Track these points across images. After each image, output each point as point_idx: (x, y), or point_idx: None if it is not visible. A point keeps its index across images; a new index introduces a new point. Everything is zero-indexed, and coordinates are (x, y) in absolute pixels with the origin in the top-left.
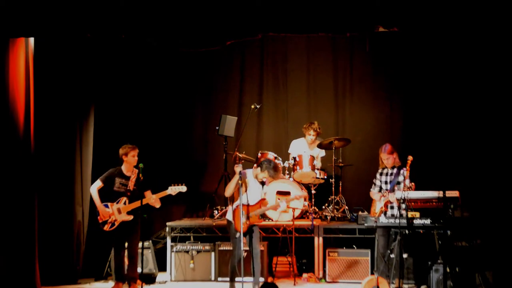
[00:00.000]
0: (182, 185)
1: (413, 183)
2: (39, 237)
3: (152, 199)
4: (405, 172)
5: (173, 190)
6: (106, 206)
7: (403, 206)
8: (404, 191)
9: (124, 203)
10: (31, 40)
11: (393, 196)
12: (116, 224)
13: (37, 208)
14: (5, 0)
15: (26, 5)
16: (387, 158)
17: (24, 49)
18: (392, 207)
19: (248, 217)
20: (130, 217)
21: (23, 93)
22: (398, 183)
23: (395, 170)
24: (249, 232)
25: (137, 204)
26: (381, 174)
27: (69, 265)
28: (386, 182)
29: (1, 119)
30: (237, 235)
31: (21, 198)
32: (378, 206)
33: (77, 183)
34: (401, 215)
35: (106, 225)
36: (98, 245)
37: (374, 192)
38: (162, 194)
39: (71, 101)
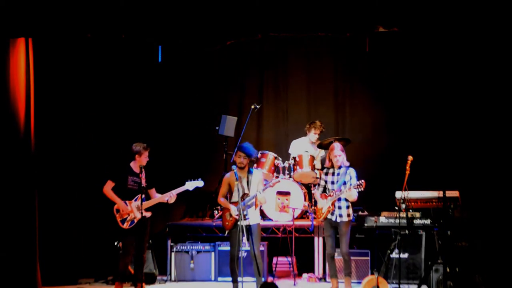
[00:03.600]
0: (198, 179)
1: (363, 180)
2: (39, 236)
3: (173, 194)
4: (353, 171)
5: (190, 185)
6: (125, 203)
7: (403, 206)
8: (356, 188)
9: (141, 201)
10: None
11: (350, 192)
12: (136, 221)
13: (37, 208)
14: (5, 1)
15: (26, 5)
16: (339, 155)
17: (24, 48)
18: (340, 207)
19: (231, 215)
20: (149, 214)
21: (24, 92)
22: (345, 182)
23: (341, 170)
24: (247, 232)
25: (156, 200)
26: (326, 174)
27: (69, 265)
28: (332, 182)
29: (2, 117)
30: (226, 234)
31: (22, 197)
32: (325, 206)
33: (78, 182)
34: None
35: (125, 223)
36: (98, 245)
37: (318, 193)
38: (181, 189)
39: (72, 101)
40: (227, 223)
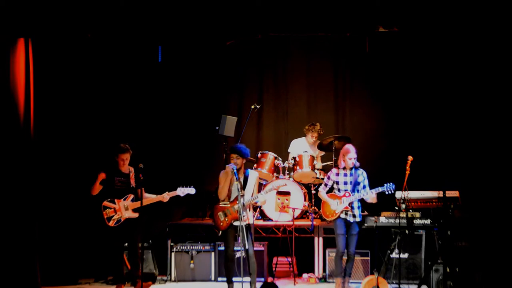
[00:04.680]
0: (190, 187)
1: (393, 185)
2: (39, 236)
3: (165, 197)
4: (364, 173)
5: (181, 191)
6: (113, 202)
7: (403, 206)
8: (388, 192)
9: (132, 200)
10: None
11: (373, 195)
12: (122, 220)
13: (37, 207)
14: (6, 1)
15: (28, 6)
16: (354, 157)
17: (24, 47)
18: (353, 207)
19: (225, 214)
20: (136, 215)
21: (23, 93)
22: (358, 183)
23: (353, 171)
24: (236, 232)
25: (149, 201)
26: (337, 174)
27: (69, 265)
28: (345, 183)
29: (3, 118)
30: (219, 233)
31: (22, 197)
32: (339, 206)
33: (78, 182)
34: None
35: (111, 221)
36: (98, 245)
37: (324, 192)
38: (173, 193)
39: (72, 101)
40: (221, 223)
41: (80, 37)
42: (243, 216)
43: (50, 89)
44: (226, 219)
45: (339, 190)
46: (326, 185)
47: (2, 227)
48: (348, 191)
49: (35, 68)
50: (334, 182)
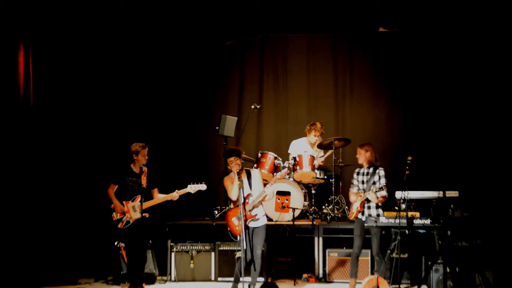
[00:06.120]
0: (202, 183)
1: (383, 184)
2: (39, 236)
3: (174, 196)
4: (381, 171)
5: (192, 188)
6: (121, 204)
7: (403, 206)
8: (377, 191)
9: (140, 201)
10: None
11: (371, 195)
12: (131, 221)
13: (37, 208)
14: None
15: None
16: (358, 153)
17: (23, 51)
18: (369, 207)
19: (239, 218)
20: (145, 215)
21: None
22: (374, 183)
23: (371, 170)
24: (250, 233)
25: (156, 201)
26: (358, 174)
27: (69, 265)
28: (362, 182)
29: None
30: (237, 238)
31: (22, 197)
32: (354, 206)
33: (78, 183)
34: (378, 215)
35: (120, 223)
36: (98, 245)
37: (351, 192)
38: (183, 191)
39: (71, 102)
40: (236, 228)
41: (80, 37)
42: (255, 216)
43: (50, 89)
44: (240, 224)
45: (359, 189)
46: (353, 184)
47: (2, 227)
48: (363, 190)
49: (35, 68)
50: (357, 182)
